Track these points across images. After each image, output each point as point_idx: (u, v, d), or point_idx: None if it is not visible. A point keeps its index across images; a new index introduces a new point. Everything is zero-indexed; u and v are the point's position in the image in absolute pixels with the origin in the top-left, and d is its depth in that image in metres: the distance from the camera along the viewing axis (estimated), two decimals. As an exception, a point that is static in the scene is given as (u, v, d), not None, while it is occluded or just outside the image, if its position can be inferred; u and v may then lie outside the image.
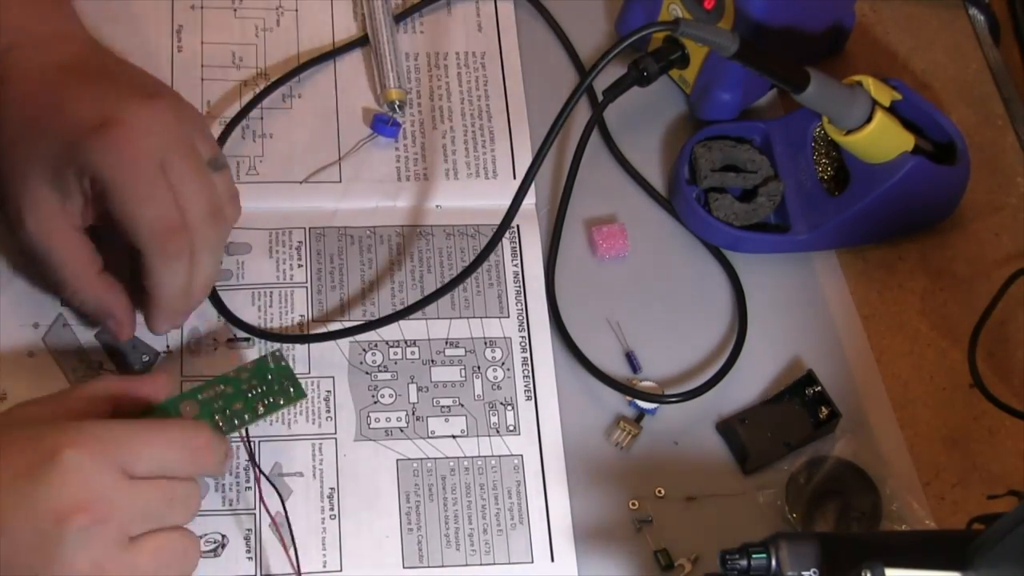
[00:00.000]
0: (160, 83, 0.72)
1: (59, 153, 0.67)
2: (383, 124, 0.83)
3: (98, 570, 0.58)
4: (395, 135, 0.83)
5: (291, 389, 0.71)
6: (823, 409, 0.76)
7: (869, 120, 0.77)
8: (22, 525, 0.57)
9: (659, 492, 0.74)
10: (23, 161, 0.68)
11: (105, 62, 0.72)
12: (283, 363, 0.72)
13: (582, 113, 0.85)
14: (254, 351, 0.75)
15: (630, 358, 0.78)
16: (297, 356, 0.75)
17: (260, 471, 0.71)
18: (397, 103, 0.84)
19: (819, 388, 0.76)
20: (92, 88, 0.68)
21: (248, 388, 0.71)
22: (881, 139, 0.77)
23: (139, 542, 0.60)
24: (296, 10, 0.88)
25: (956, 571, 0.60)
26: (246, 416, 0.70)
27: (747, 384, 0.78)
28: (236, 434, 0.70)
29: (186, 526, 0.63)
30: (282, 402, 0.71)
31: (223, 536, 0.70)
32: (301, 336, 0.76)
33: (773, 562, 0.61)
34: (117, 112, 0.66)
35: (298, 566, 0.69)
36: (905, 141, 0.78)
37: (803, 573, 0.61)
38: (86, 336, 0.74)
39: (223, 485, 0.71)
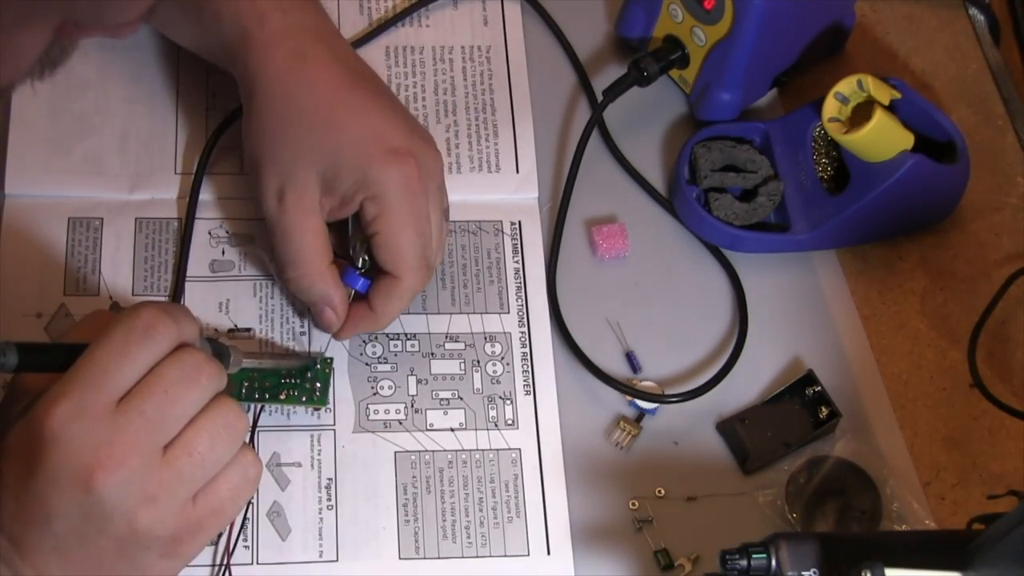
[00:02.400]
0: (418, 123, 0.77)
1: (348, 159, 0.71)
2: None
3: (147, 494, 0.58)
4: None
5: (317, 394, 0.73)
6: (823, 409, 0.76)
7: (869, 118, 0.77)
8: (63, 510, 0.57)
9: (659, 492, 0.74)
10: (303, 148, 0.72)
11: (378, 78, 0.77)
12: (327, 371, 0.74)
13: (582, 113, 0.85)
14: (254, 342, 0.76)
15: (630, 358, 0.78)
16: (298, 347, 0.76)
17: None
18: None
19: (819, 388, 0.76)
20: (385, 110, 0.73)
21: (286, 375, 0.73)
22: (881, 137, 0.77)
23: (171, 449, 0.59)
24: None
25: (956, 571, 0.60)
26: (267, 395, 0.72)
27: (747, 384, 0.78)
28: (249, 407, 0.72)
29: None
30: (304, 400, 0.73)
31: None
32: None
33: (773, 562, 0.61)
34: (409, 144, 0.72)
35: (230, 551, 0.69)
36: (905, 140, 0.78)
37: (803, 573, 0.61)
38: None
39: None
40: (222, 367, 0.61)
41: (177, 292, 0.77)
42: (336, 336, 0.75)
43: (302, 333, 0.77)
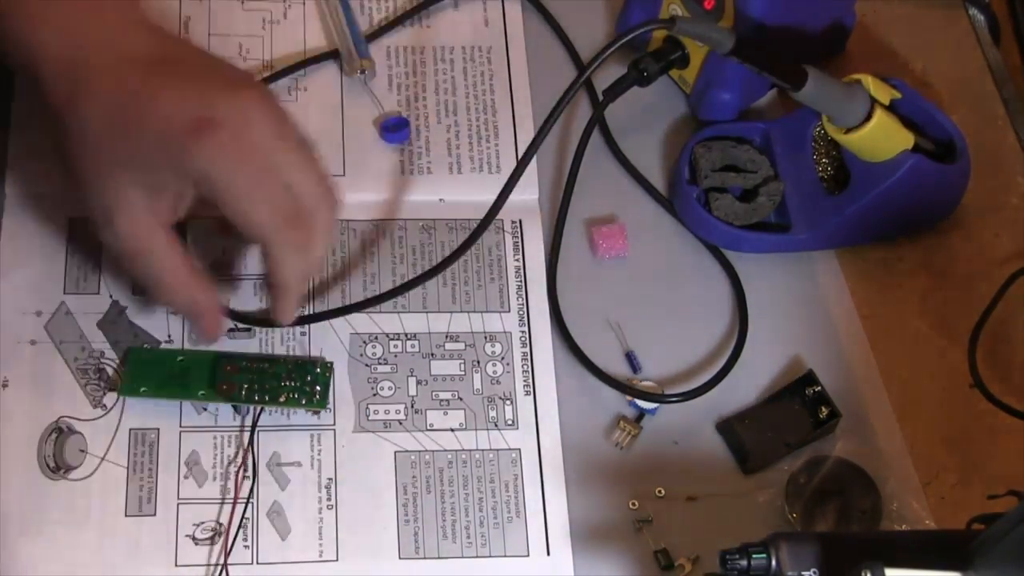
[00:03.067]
0: (236, 68, 0.71)
1: (150, 155, 0.65)
2: (388, 131, 0.84)
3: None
4: (405, 139, 0.84)
5: (317, 397, 0.73)
6: (823, 409, 0.76)
7: (868, 118, 0.77)
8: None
9: (659, 492, 0.74)
10: (109, 162, 0.66)
11: (179, 51, 0.70)
12: (327, 375, 0.74)
13: (582, 113, 0.85)
14: (255, 341, 0.76)
15: (630, 358, 0.78)
16: (298, 348, 0.76)
17: (255, 460, 0.72)
18: (360, 71, 0.85)
19: (819, 388, 0.76)
20: (177, 84, 0.66)
21: (286, 377, 0.73)
22: (881, 137, 0.77)
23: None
24: (303, 3, 0.89)
25: (956, 571, 0.60)
26: (267, 397, 0.72)
27: (747, 384, 0.78)
28: (249, 408, 0.73)
29: None
30: (303, 403, 0.73)
31: (219, 524, 0.70)
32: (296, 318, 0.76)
33: (773, 562, 0.61)
34: (210, 110, 0.65)
35: (228, 551, 0.70)
36: (905, 139, 0.78)
37: (803, 573, 0.61)
38: (88, 325, 0.75)
39: (220, 473, 0.72)
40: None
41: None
42: (279, 321, 0.72)
43: (303, 333, 0.77)
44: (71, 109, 0.66)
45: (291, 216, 0.67)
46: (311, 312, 0.77)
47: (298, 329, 0.76)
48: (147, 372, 0.73)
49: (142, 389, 0.73)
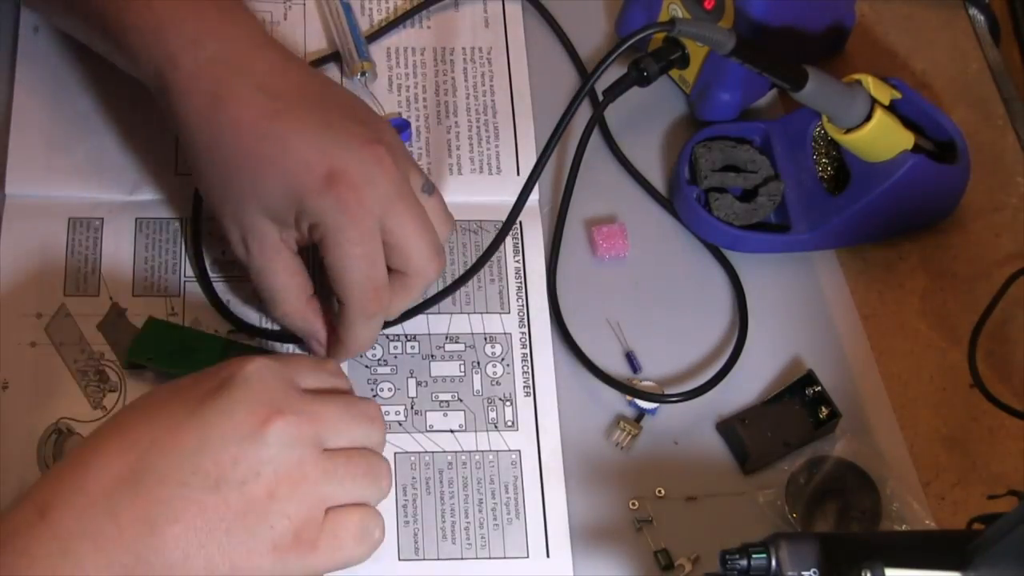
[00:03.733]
0: (371, 115, 0.73)
1: (283, 195, 0.68)
2: None
3: (300, 471, 0.59)
4: (406, 140, 0.84)
5: None
6: (823, 409, 0.76)
7: (869, 118, 0.77)
8: (223, 435, 0.58)
9: (659, 492, 0.74)
10: (244, 193, 0.69)
11: (314, 86, 0.72)
12: None
13: (582, 113, 0.85)
14: (254, 342, 0.76)
15: (630, 358, 0.78)
16: (298, 349, 0.76)
17: None
18: (360, 73, 0.85)
19: (819, 388, 0.76)
20: (315, 129, 0.69)
21: None
22: (881, 137, 0.77)
23: (333, 452, 0.61)
24: (304, 4, 0.89)
25: (956, 571, 0.60)
26: None
27: (747, 384, 0.78)
28: None
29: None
30: None
31: None
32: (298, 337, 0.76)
33: (773, 562, 0.61)
34: (343, 162, 0.68)
35: None
36: (905, 139, 0.78)
37: (803, 573, 0.61)
38: (88, 327, 0.75)
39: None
40: (384, 434, 0.65)
41: (182, 292, 0.77)
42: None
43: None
44: (206, 130, 0.69)
45: (377, 289, 0.70)
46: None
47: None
48: (159, 343, 0.74)
49: (148, 358, 0.73)
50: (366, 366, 0.76)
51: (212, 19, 0.71)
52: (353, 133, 0.69)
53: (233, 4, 0.73)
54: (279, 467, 0.59)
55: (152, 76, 0.71)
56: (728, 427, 0.76)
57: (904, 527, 0.72)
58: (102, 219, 0.78)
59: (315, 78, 0.73)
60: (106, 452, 0.58)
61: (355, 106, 0.73)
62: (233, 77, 0.69)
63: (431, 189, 0.73)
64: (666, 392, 0.77)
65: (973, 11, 0.95)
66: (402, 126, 0.84)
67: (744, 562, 0.61)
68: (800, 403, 0.76)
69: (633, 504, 0.73)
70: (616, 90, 0.81)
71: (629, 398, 0.76)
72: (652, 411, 0.76)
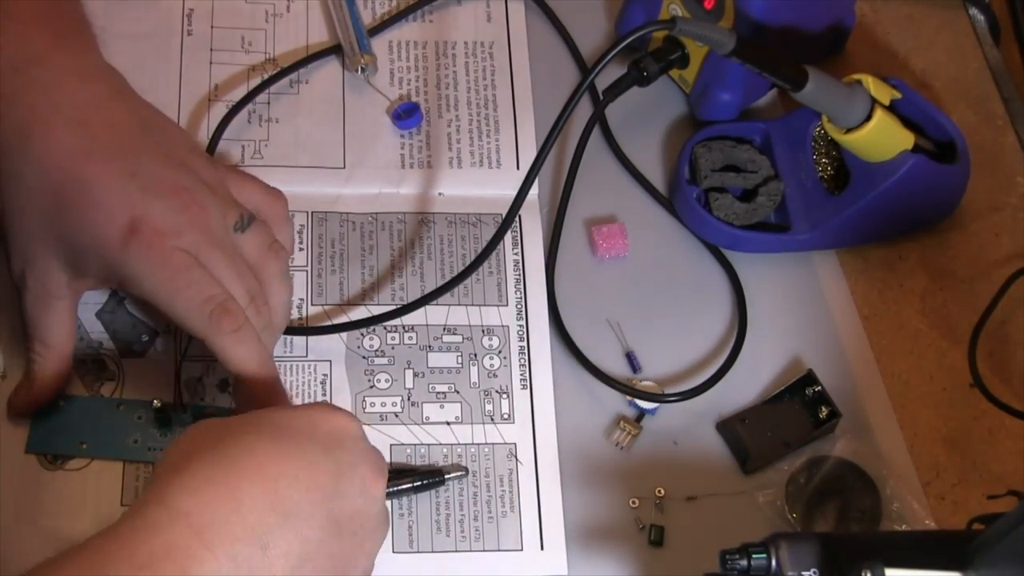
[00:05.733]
0: (191, 154, 0.70)
1: (84, 247, 0.66)
2: (399, 118, 0.84)
3: (386, 526, 0.65)
4: (418, 123, 0.84)
5: None
6: (823, 409, 0.76)
7: (869, 118, 0.77)
8: (351, 485, 0.61)
9: (659, 492, 0.74)
10: (40, 232, 0.67)
11: (132, 126, 0.68)
12: None
13: (583, 112, 0.85)
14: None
15: (630, 358, 0.78)
16: (295, 340, 0.76)
17: None
18: (361, 68, 0.85)
19: (819, 388, 0.76)
20: (119, 176, 0.65)
21: None
22: (881, 137, 0.77)
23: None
24: None
25: (956, 571, 0.60)
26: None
27: (747, 384, 0.78)
28: None
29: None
30: None
31: None
32: (300, 329, 0.76)
33: (773, 562, 0.61)
34: (144, 211, 0.65)
35: None
36: (905, 139, 0.78)
37: (803, 573, 0.61)
38: (87, 316, 0.75)
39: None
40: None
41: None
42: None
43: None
44: (11, 160, 0.66)
45: (223, 304, 0.66)
46: (307, 311, 0.77)
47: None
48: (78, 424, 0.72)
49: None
50: (364, 357, 0.76)
51: (42, 42, 0.68)
52: (161, 178, 0.66)
53: (71, 32, 0.70)
54: (379, 522, 0.63)
55: None
56: (728, 427, 0.76)
57: (904, 527, 0.72)
58: None
59: (136, 115, 0.69)
60: (247, 478, 0.57)
61: (173, 145, 0.69)
62: (47, 109, 0.66)
63: (244, 225, 0.69)
64: (666, 392, 0.77)
65: (973, 11, 0.95)
66: (411, 109, 0.84)
67: (744, 562, 0.61)
68: (800, 403, 0.76)
69: (633, 503, 0.73)
70: (616, 89, 0.80)
71: (629, 398, 0.76)
72: (652, 411, 0.76)
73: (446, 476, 0.72)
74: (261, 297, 0.69)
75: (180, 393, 0.73)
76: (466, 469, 0.73)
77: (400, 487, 0.71)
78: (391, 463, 0.73)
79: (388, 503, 0.71)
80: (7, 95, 0.66)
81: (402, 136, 0.84)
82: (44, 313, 0.70)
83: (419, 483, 0.72)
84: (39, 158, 0.65)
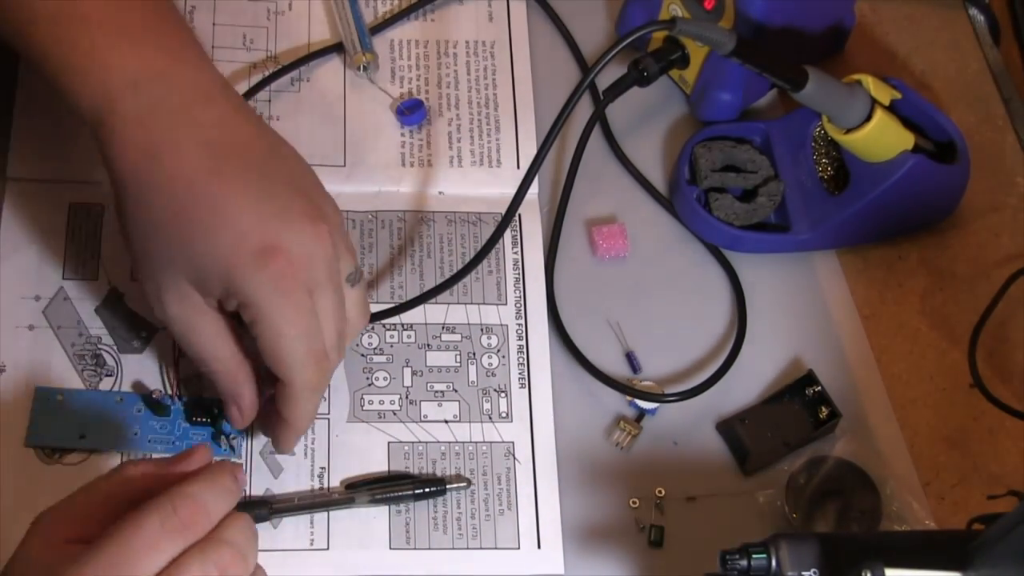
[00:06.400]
0: (317, 188, 0.68)
1: (211, 266, 0.63)
2: (402, 114, 0.84)
3: None
4: (421, 119, 0.84)
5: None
6: (823, 409, 0.76)
7: (869, 118, 0.77)
8: None
9: (659, 492, 0.74)
10: (165, 256, 0.64)
11: (261, 148, 0.66)
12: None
13: (583, 112, 0.85)
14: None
15: (630, 358, 0.78)
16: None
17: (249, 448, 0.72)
18: (363, 66, 0.85)
19: (819, 388, 0.76)
20: (255, 197, 0.64)
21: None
22: (881, 137, 0.77)
23: None
24: None
25: (956, 571, 0.60)
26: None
27: (747, 384, 0.78)
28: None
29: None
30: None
31: None
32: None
33: (773, 562, 0.61)
34: (280, 238, 0.63)
35: None
36: (905, 139, 0.78)
37: (803, 573, 0.61)
38: (86, 310, 0.75)
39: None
40: (249, 558, 0.58)
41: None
42: (282, 451, 0.71)
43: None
44: (137, 184, 0.64)
45: (322, 361, 0.66)
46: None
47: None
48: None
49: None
50: (362, 355, 0.76)
51: (159, 60, 0.65)
52: (296, 207, 0.65)
53: (185, 46, 0.67)
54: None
55: (91, 119, 0.65)
56: (728, 427, 0.76)
57: (904, 527, 0.72)
58: (103, 206, 0.78)
59: (264, 139, 0.67)
60: None
61: (303, 175, 0.68)
62: (174, 127, 0.64)
63: (356, 279, 0.69)
64: (666, 392, 0.77)
65: (973, 11, 0.95)
66: (416, 105, 0.84)
67: (744, 562, 0.61)
68: (800, 403, 0.76)
69: (633, 503, 0.73)
70: (616, 90, 0.80)
71: (629, 398, 0.76)
72: (652, 411, 0.76)
73: (448, 487, 0.72)
74: (336, 353, 0.68)
75: (178, 387, 0.73)
76: (469, 481, 0.73)
77: (401, 494, 0.71)
78: (390, 470, 0.73)
79: (386, 505, 0.72)
80: (131, 117, 0.64)
81: (402, 135, 0.84)
82: (198, 335, 0.66)
83: (420, 491, 0.71)
84: (168, 179, 0.63)
